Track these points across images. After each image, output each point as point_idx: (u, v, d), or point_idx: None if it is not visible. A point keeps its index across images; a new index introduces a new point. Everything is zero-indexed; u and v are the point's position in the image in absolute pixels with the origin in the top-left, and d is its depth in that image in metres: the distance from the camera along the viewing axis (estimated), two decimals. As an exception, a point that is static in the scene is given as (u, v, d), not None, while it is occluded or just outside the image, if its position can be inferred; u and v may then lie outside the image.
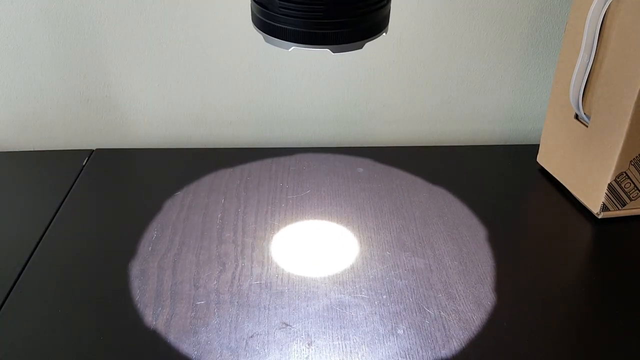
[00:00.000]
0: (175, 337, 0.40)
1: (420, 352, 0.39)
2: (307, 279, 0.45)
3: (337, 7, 0.34)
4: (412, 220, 0.51)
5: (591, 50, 0.49)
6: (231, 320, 0.41)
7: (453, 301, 0.43)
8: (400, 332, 0.40)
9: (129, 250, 0.47)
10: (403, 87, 0.64)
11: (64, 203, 0.53)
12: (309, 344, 0.39)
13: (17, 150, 0.64)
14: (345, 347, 0.39)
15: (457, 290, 0.44)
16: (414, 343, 0.39)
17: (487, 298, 0.43)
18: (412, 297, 0.43)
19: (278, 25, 0.35)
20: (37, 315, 0.41)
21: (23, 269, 0.46)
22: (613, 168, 0.49)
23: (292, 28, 0.34)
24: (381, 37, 0.38)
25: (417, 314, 0.42)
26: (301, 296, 0.43)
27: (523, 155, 0.62)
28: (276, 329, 0.40)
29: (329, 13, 0.34)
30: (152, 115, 0.65)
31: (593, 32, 0.48)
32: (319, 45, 0.35)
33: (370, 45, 0.61)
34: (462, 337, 0.40)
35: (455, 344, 0.39)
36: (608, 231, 0.51)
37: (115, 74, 0.62)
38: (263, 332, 0.40)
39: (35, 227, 0.50)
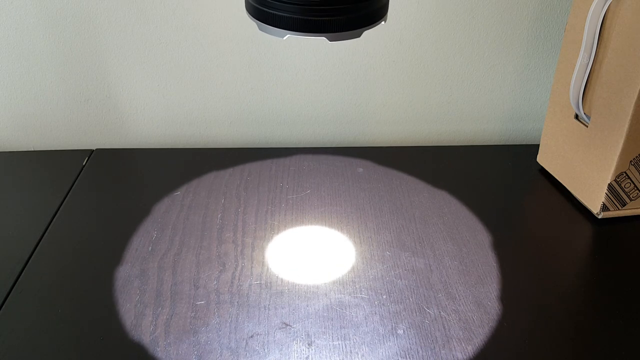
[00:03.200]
0: (175, 337, 0.40)
1: (420, 352, 0.39)
2: (307, 279, 0.45)
3: None
4: (412, 220, 0.51)
5: (591, 50, 0.49)
6: (231, 320, 0.41)
7: (453, 301, 0.43)
8: (400, 332, 0.40)
9: (129, 250, 0.47)
10: (403, 87, 0.64)
11: (64, 203, 0.53)
12: (309, 344, 0.39)
13: (17, 150, 0.64)
14: (345, 347, 0.39)
15: (457, 290, 0.44)
16: (414, 343, 0.39)
17: (487, 298, 0.43)
18: (412, 297, 0.43)
19: (273, 12, 0.33)
20: (37, 315, 0.41)
21: (23, 268, 0.46)
22: (613, 168, 0.49)
23: (288, 15, 0.33)
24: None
25: (417, 314, 0.42)
26: (301, 296, 0.43)
27: (523, 155, 0.62)
28: (276, 329, 0.40)
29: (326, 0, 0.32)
30: (152, 115, 0.65)
31: (593, 32, 0.48)
32: (314, 33, 0.33)
33: (370, 45, 0.62)
34: (462, 337, 0.40)
35: (455, 344, 0.39)
36: (608, 231, 0.51)
37: (115, 74, 0.62)
38: (263, 332, 0.40)
39: (36, 227, 0.50)
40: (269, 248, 0.48)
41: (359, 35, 0.35)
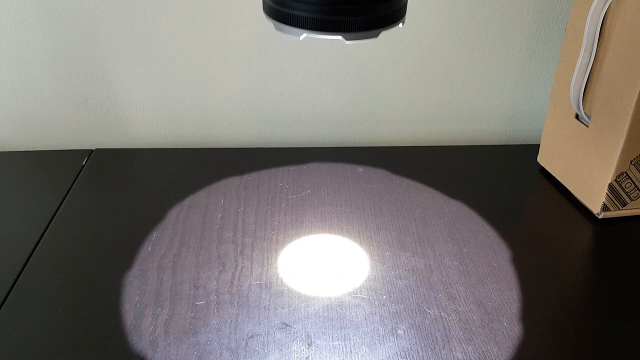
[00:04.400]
0: (175, 338, 0.39)
1: (420, 352, 0.39)
2: (307, 279, 0.45)
3: None
4: (412, 220, 0.51)
5: (591, 50, 0.49)
6: (231, 321, 0.41)
7: (453, 301, 0.43)
8: (400, 332, 0.40)
9: (129, 251, 0.47)
10: (403, 87, 0.64)
11: (63, 203, 0.53)
12: (309, 345, 0.39)
13: (17, 150, 0.64)
14: (345, 347, 0.39)
15: (457, 291, 0.44)
16: (414, 343, 0.39)
17: (487, 298, 0.43)
18: (412, 297, 0.43)
19: (290, 11, 0.33)
20: (36, 315, 0.41)
21: (23, 268, 0.46)
22: (613, 168, 0.49)
23: (305, 14, 0.33)
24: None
25: (417, 314, 0.42)
26: (301, 296, 0.43)
27: (523, 155, 0.61)
28: (276, 329, 0.40)
29: None
30: (151, 115, 0.65)
31: (593, 32, 0.48)
32: (331, 33, 0.33)
33: (370, 45, 0.62)
34: (462, 337, 0.40)
35: (456, 345, 0.39)
36: (608, 231, 0.51)
37: (115, 74, 0.62)
38: (263, 333, 0.40)
39: (35, 227, 0.50)
40: (269, 248, 0.48)
41: (376, 36, 0.34)
